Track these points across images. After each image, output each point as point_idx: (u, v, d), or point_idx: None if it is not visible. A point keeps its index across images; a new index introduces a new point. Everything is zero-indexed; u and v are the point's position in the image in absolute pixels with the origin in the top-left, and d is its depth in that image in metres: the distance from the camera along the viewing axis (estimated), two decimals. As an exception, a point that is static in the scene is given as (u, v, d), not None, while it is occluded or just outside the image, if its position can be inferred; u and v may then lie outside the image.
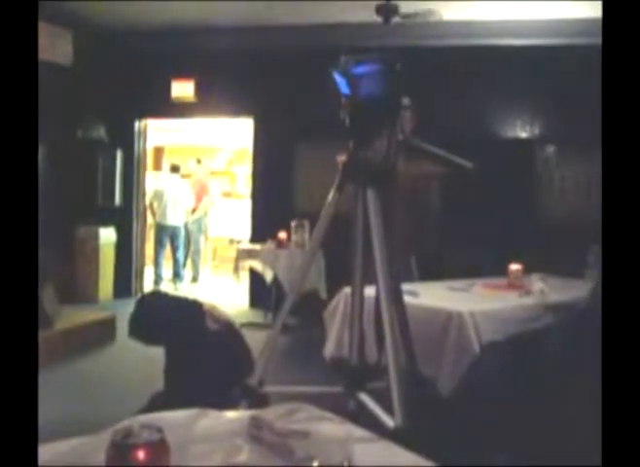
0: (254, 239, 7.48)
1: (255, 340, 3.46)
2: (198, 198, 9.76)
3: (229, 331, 3.32)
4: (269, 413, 1.28)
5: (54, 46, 7.16)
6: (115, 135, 8.11)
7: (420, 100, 3.63)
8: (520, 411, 3.19)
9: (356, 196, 1.90)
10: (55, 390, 4.38)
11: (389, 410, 1.60)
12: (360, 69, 1.81)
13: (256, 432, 1.25)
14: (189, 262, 9.73)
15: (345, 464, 0.71)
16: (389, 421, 1.53)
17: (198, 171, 10.49)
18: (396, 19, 5.73)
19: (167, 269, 9.09)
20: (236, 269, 6.80)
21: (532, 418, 3.12)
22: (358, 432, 1.23)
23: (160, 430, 0.90)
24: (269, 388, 1.90)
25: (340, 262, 3.83)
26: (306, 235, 6.14)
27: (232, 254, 8.12)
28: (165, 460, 0.89)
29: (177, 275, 9.08)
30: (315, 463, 0.72)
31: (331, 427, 0.76)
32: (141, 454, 0.86)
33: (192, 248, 9.71)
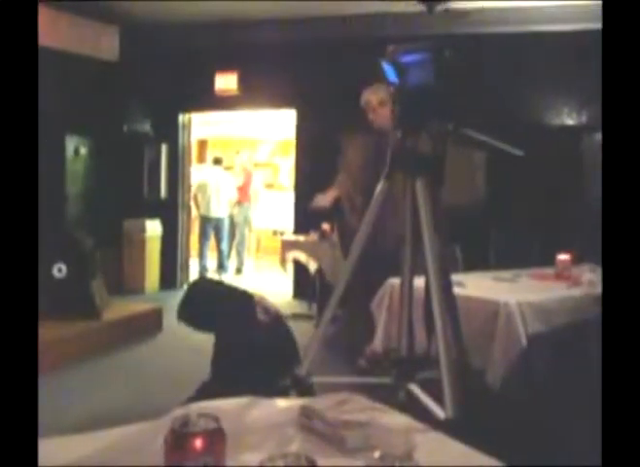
0: (297, 231, 7.50)
1: (299, 330, 3.49)
2: (245, 187, 9.90)
3: (277, 322, 3.34)
4: (320, 404, 1.29)
5: (101, 42, 7.29)
6: (160, 129, 8.22)
7: (467, 88, 3.57)
8: (567, 404, 3.15)
9: (405, 185, 1.89)
10: (104, 380, 4.48)
11: (439, 400, 1.59)
12: (408, 57, 1.80)
13: (307, 422, 1.26)
14: (233, 253, 9.83)
15: (407, 456, 0.71)
16: (440, 412, 1.53)
17: (244, 160, 10.59)
18: (439, 8, 5.67)
19: (212, 261, 9.19)
20: (283, 261, 6.85)
21: (578, 412, 3.08)
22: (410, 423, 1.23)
23: (216, 419, 0.91)
24: (319, 378, 1.91)
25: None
26: (350, 226, 6.13)
27: (276, 245, 8.17)
28: (222, 449, 0.90)
29: (221, 267, 9.17)
30: (377, 454, 0.73)
31: (391, 418, 0.76)
32: (199, 443, 0.87)
33: (237, 239, 9.81)
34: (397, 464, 0.69)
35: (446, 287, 1.83)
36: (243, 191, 9.84)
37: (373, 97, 4.12)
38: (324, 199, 4.32)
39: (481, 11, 6.35)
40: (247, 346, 3.15)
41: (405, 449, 0.71)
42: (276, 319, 3.36)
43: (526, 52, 6.57)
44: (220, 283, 3.76)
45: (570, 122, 6.74)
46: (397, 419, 0.73)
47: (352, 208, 4.22)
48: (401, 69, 1.81)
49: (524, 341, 3.03)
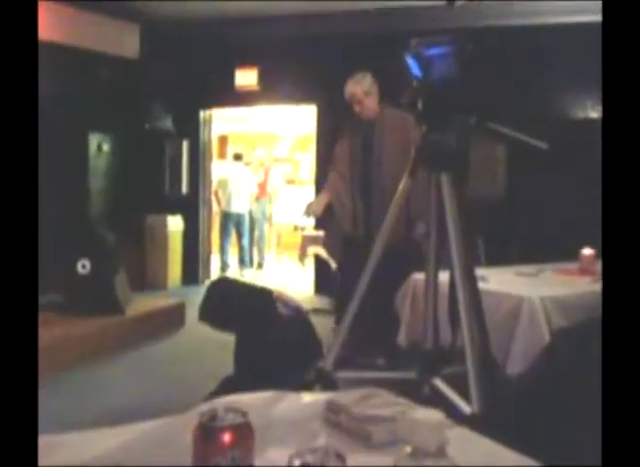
0: (318, 226, 7.50)
1: (321, 325, 3.49)
2: (263, 182, 9.96)
3: (298, 316, 3.35)
4: (345, 398, 1.29)
5: (122, 40, 7.33)
6: (181, 125, 8.26)
7: (490, 81, 3.55)
8: (590, 400, 3.11)
9: (429, 180, 1.87)
10: (127, 376, 4.52)
11: (464, 395, 1.59)
12: (432, 51, 1.79)
13: (333, 416, 1.26)
14: (254, 248, 9.87)
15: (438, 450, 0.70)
16: (465, 407, 1.52)
17: (261, 156, 10.64)
18: (460, 1, 5.62)
19: (233, 256, 9.23)
20: (302, 256, 6.85)
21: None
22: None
23: (244, 413, 0.91)
24: (344, 373, 1.91)
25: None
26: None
27: (297, 240, 8.18)
28: (250, 443, 0.90)
29: (242, 262, 9.21)
30: (408, 449, 0.72)
31: (421, 413, 0.76)
32: (227, 437, 0.87)
33: (256, 234, 9.85)
34: (429, 460, 0.69)
35: (471, 282, 1.82)
36: (261, 186, 9.89)
37: (358, 89, 4.03)
38: (315, 208, 4.19)
39: (504, 3, 6.29)
40: (269, 341, 3.16)
41: (437, 444, 0.71)
42: (297, 314, 3.37)
43: (549, 44, 6.50)
44: (239, 281, 3.78)
45: (594, 115, 6.67)
46: (427, 414, 0.72)
47: (344, 213, 4.12)
48: (424, 63, 1.79)
49: (547, 337, 3.01)
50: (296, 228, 10.25)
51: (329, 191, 4.18)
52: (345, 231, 4.13)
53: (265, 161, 10.60)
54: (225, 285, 3.69)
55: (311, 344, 3.16)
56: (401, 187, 1.93)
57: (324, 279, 7.30)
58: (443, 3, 5.46)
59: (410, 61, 1.82)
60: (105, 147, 7.55)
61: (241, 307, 3.29)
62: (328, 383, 1.86)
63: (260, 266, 9.79)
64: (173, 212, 8.06)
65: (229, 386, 3.07)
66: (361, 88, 4.01)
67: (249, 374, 3.16)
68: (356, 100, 4.03)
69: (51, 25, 6.37)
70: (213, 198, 8.90)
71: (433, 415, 0.71)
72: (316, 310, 6.14)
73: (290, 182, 11.70)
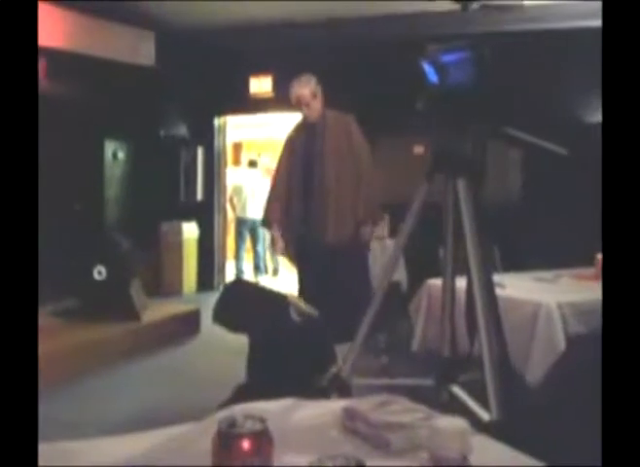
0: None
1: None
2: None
3: (311, 323, 3.33)
4: (363, 405, 1.28)
5: (138, 48, 7.37)
6: (196, 132, 8.29)
7: (506, 86, 3.52)
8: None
9: (446, 186, 1.86)
10: (143, 382, 4.52)
11: (482, 402, 1.57)
12: (448, 57, 1.78)
13: (350, 424, 1.25)
14: (269, 254, 9.87)
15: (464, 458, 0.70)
16: (484, 415, 1.51)
17: (267, 163, 10.68)
18: (474, 6, 5.61)
19: (248, 263, 9.22)
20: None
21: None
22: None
23: (263, 420, 0.91)
24: (360, 380, 1.90)
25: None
26: (386, 229, 6.10)
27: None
28: (269, 450, 0.90)
29: (257, 268, 9.21)
30: (425, 455, 0.72)
31: (446, 420, 0.75)
32: (246, 444, 0.87)
33: (267, 240, 9.86)
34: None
35: (489, 288, 1.81)
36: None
37: (307, 90, 3.89)
38: (280, 248, 4.11)
39: (520, 7, 6.27)
40: (281, 347, 3.15)
41: (460, 452, 0.70)
42: (310, 320, 3.36)
43: (562, 47, 6.47)
44: (254, 285, 3.78)
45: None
46: (451, 422, 0.72)
47: (298, 215, 4.05)
48: (441, 69, 1.79)
49: (564, 343, 2.99)
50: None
51: (278, 225, 4.10)
52: (299, 234, 4.08)
53: (271, 167, 10.63)
54: (240, 287, 3.69)
55: (323, 351, 3.15)
56: (419, 194, 1.92)
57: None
58: (459, 8, 5.43)
59: (427, 67, 1.81)
60: (120, 154, 7.59)
61: (255, 310, 3.28)
62: (343, 390, 1.85)
63: (275, 272, 9.79)
64: (188, 219, 8.08)
65: (242, 393, 3.07)
66: (309, 89, 3.89)
67: (262, 380, 3.16)
68: (304, 103, 3.91)
69: (66, 33, 6.43)
70: (228, 205, 8.92)
71: (457, 423, 0.71)
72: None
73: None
